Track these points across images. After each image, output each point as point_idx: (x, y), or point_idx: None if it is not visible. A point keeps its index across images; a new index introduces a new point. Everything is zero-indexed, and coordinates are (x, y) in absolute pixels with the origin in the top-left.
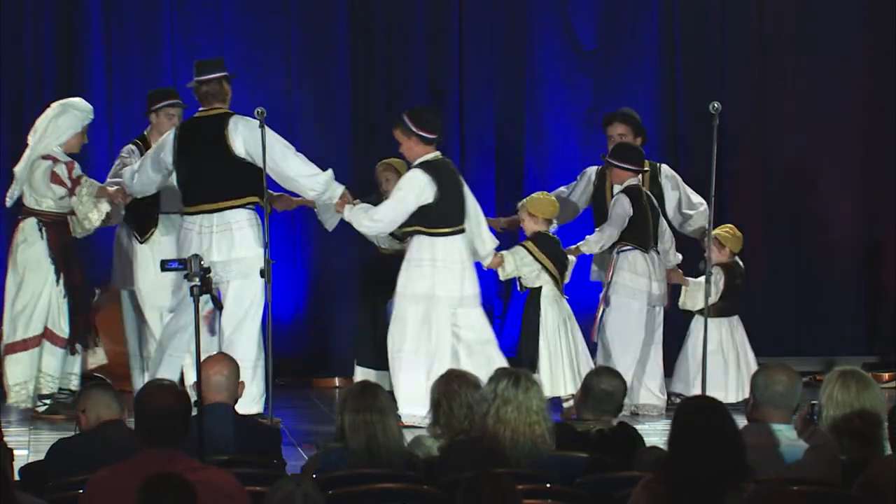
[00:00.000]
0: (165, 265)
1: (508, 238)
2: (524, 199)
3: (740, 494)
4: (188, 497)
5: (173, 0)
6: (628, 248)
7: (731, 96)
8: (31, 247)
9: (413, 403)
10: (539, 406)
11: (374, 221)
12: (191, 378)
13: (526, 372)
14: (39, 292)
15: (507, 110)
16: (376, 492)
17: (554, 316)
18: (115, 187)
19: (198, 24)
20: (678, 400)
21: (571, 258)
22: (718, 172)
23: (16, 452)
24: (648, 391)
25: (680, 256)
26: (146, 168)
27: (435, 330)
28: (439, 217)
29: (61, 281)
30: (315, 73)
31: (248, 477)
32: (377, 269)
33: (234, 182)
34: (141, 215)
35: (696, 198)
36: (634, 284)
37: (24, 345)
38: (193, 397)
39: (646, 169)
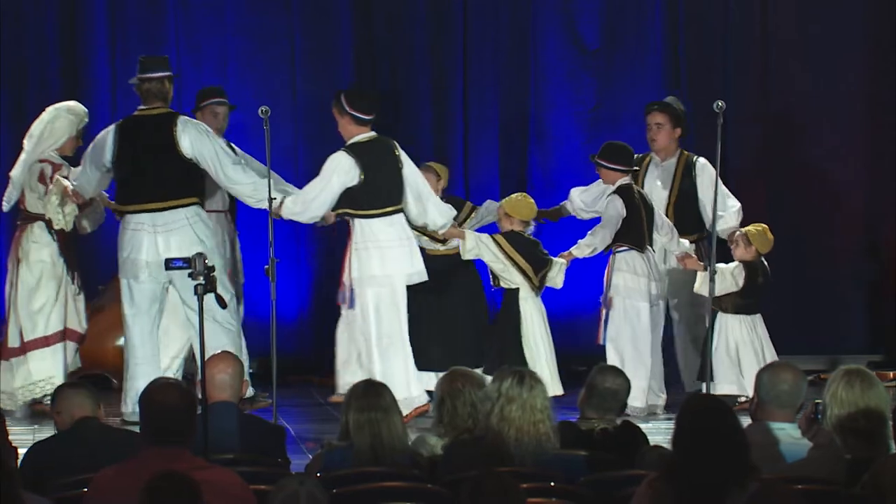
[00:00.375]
0: (169, 264)
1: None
2: (503, 200)
3: (744, 493)
4: (193, 496)
5: (177, 0)
6: (624, 248)
7: (735, 95)
8: (43, 248)
9: (409, 385)
10: (543, 405)
11: (303, 206)
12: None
13: (530, 371)
14: (56, 291)
15: (511, 109)
16: (380, 490)
17: (534, 317)
18: (73, 187)
19: (201, 24)
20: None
21: (561, 261)
22: (722, 170)
23: (20, 451)
24: (653, 392)
25: (687, 243)
26: (86, 167)
27: (402, 310)
28: (370, 198)
29: (75, 280)
30: (318, 73)
31: (253, 475)
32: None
33: (181, 181)
34: None
35: (732, 200)
36: (635, 285)
37: (46, 341)
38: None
39: (635, 168)
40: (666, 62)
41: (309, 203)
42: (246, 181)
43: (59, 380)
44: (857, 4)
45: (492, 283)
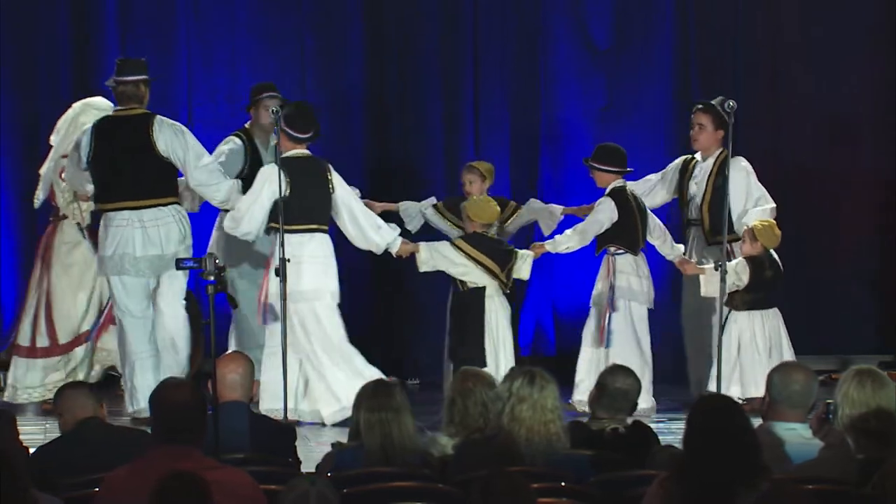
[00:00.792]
0: (180, 263)
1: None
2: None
3: (755, 493)
4: (203, 496)
5: (188, 1)
6: (621, 251)
7: (745, 95)
8: (76, 247)
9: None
10: (554, 405)
11: (234, 222)
12: None
13: (541, 370)
14: (92, 287)
15: (521, 109)
16: (391, 490)
17: (500, 315)
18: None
19: (212, 24)
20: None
21: (528, 252)
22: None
23: (31, 451)
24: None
25: (681, 247)
26: (71, 165)
27: (326, 325)
28: (293, 214)
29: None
30: (328, 73)
31: (263, 475)
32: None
33: (158, 180)
34: None
35: (767, 199)
36: (638, 287)
37: (78, 340)
38: None
39: (629, 169)
40: (675, 62)
41: (240, 219)
42: (209, 182)
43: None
44: (863, 6)
45: (459, 287)
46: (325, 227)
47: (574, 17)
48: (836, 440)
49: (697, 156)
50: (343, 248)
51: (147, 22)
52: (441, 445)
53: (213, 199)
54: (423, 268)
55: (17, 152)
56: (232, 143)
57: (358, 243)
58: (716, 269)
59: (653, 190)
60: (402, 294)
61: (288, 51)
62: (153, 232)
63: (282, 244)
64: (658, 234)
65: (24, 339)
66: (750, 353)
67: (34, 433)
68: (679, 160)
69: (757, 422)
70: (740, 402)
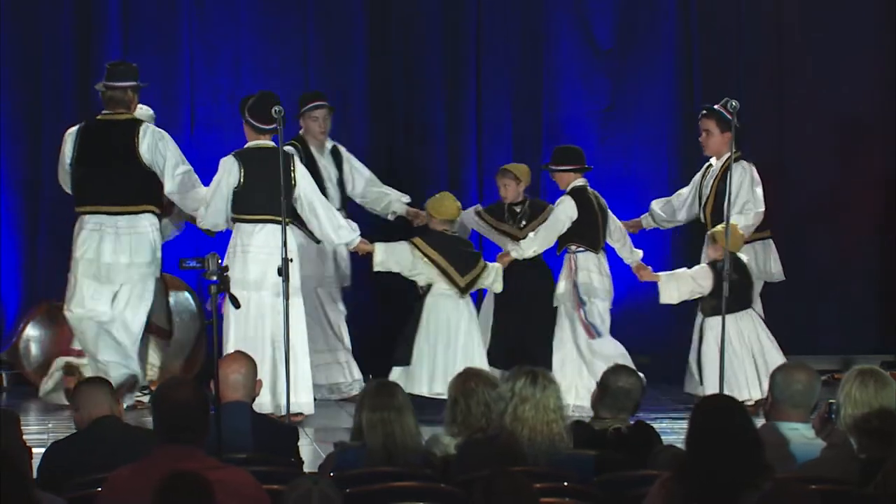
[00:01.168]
0: (183, 264)
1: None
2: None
3: (758, 493)
4: (206, 495)
5: (191, 0)
6: (582, 249)
7: (748, 95)
8: None
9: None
10: (556, 404)
11: (201, 216)
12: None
13: (543, 371)
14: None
15: (524, 109)
16: (393, 490)
17: (441, 315)
18: None
19: (215, 24)
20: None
21: (497, 265)
22: None
23: (34, 451)
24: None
25: (640, 252)
26: (60, 167)
27: (268, 318)
28: (246, 204)
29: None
30: (332, 73)
31: (266, 475)
32: (508, 275)
33: (139, 187)
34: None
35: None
36: (601, 285)
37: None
38: None
39: (589, 167)
40: (679, 62)
41: (204, 214)
42: (180, 191)
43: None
44: (866, 6)
45: (421, 290)
46: (277, 220)
47: (577, 18)
48: (839, 440)
49: (712, 160)
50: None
51: (149, 22)
52: (443, 445)
53: (186, 208)
54: (377, 268)
55: (20, 152)
56: (288, 149)
57: (318, 235)
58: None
59: (685, 202)
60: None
61: (291, 50)
62: (125, 239)
63: (284, 244)
64: (618, 237)
65: None
66: (727, 357)
67: (38, 433)
68: (703, 167)
69: (759, 422)
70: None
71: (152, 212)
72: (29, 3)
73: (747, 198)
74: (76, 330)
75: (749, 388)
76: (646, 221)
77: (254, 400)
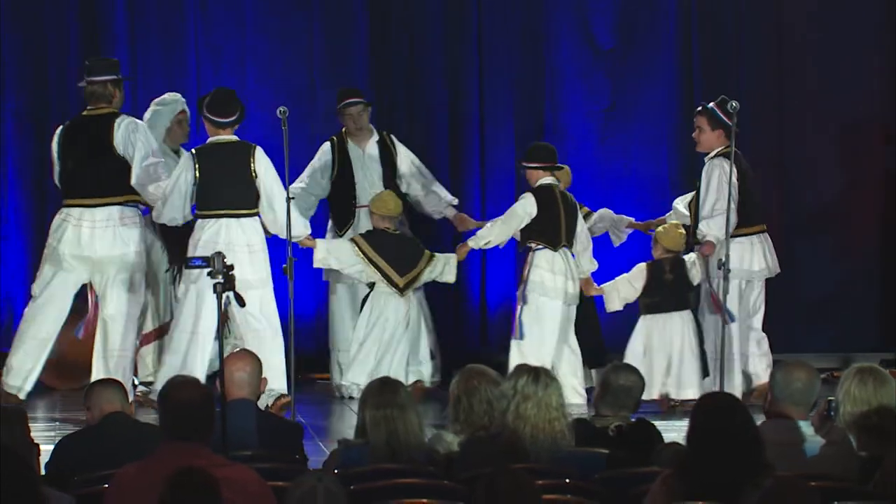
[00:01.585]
0: (189, 262)
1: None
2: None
3: (758, 490)
4: (212, 491)
5: (196, 1)
6: (541, 246)
7: (749, 94)
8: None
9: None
10: (558, 402)
11: (157, 211)
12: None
13: (545, 369)
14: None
15: (526, 109)
16: (397, 487)
17: (382, 311)
18: None
19: (220, 24)
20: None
21: (448, 256)
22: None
23: (42, 448)
24: (575, 391)
25: (596, 264)
26: (53, 166)
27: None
28: (204, 200)
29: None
30: (336, 73)
31: (271, 472)
32: None
33: (115, 179)
34: (340, 208)
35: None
36: (551, 283)
37: (159, 332)
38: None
39: (559, 165)
40: (679, 62)
41: (161, 209)
42: (143, 182)
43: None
44: (868, 5)
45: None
46: (239, 212)
47: (577, 18)
48: (838, 437)
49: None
50: None
51: (155, 22)
52: (447, 442)
53: (148, 199)
54: (317, 264)
55: (28, 153)
56: (324, 145)
57: (268, 227)
58: (718, 268)
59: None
60: None
61: (296, 50)
62: (100, 233)
63: (290, 243)
64: (580, 242)
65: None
66: (660, 357)
67: (45, 430)
68: None
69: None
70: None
71: (132, 202)
72: (36, 5)
73: (717, 196)
74: (30, 315)
75: (656, 386)
76: (670, 220)
77: (258, 398)
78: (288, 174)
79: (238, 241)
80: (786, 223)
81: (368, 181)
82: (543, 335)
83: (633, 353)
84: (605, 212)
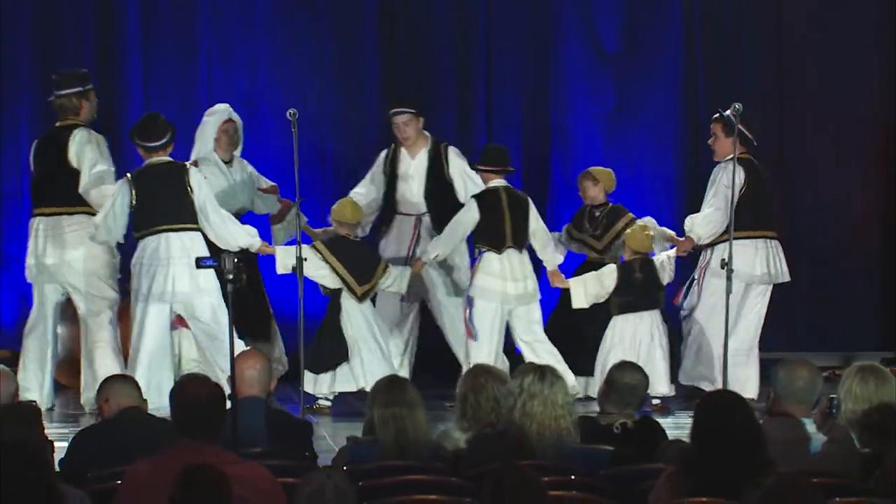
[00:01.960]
0: (199, 262)
1: None
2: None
3: (760, 487)
4: (223, 488)
5: (208, 5)
6: (485, 249)
7: (750, 96)
8: None
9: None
10: (564, 400)
11: (95, 229)
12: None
13: (551, 367)
14: None
15: (532, 111)
16: (405, 483)
17: (354, 317)
18: None
19: (231, 28)
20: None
21: (401, 269)
22: None
23: (56, 445)
24: None
25: (560, 258)
26: None
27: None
28: (142, 219)
29: None
30: (346, 76)
31: (281, 469)
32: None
33: (70, 190)
34: (384, 213)
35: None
36: (487, 285)
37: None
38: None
39: (510, 169)
40: (683, 64)
41: (97, 228)
42: (87, 189)
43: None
44: (869, 6)
45: (322, 292)
46: (177, 227)
47: (583, 22)
48: (840, 435)
49: None
50: None
51: (168, 27)
52: (454, 439)
53: (92, 203)
54: (280, 271)
55: None
56: (383, 152)
57: (215, 241)
58: (721, 268)
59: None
60: None
61: (306, 54)
62: (43, 241)
63: (299, 243)
64: (538, 238)
65: None
66: (631, 355)
67: (59, 427)
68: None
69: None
70: None
71: (84, 212)
72: (49, 9)
73: (715, 197)
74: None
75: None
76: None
77: (269, 396)
78: (297, 175)
79: (177, 253)
80: (787, 222)
81: (409, 191)
82: (489, 336)
83: (603, 351)
84: (648, 220)
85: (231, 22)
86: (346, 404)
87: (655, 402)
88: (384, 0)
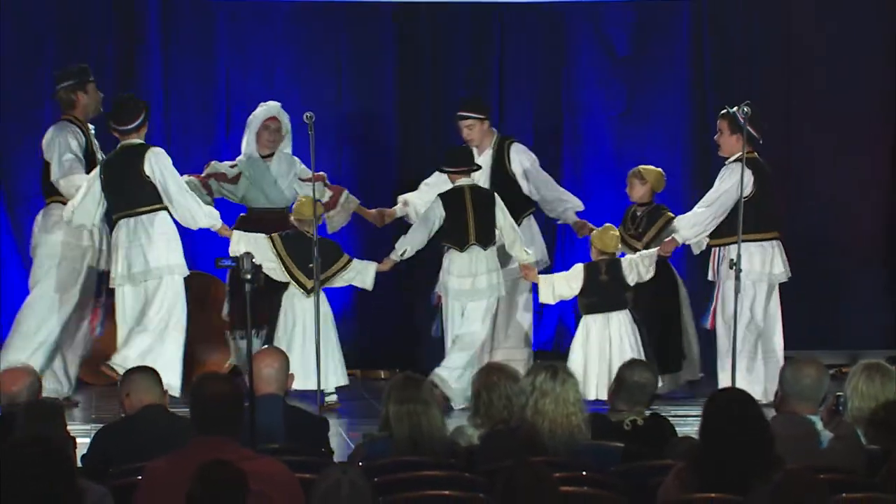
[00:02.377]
0: (219, 262)
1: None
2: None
3: (769, 482)
4: (240, 484)
5: (226, 11)
6: (449, 247)
7: (758, 99)
8: None
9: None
10: (575, 398)
11: (69, 213)
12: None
13: (563, 365)
14: None
15: (545, 115)
16: (420, 479)
17: (297, 310)
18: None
19: (249, 33)
20: None
21: (366, 264)
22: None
23: (78, 441)
24: None
25: (527, 255)
26: None
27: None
28: (112, 204)
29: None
30: (362, 80)
31: (298, 465)
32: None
33: (47, 182)
34: None
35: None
36: (452, 284)
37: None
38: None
39: (475, 168)
40: (692, 69)
41: (73, 211)
42: (54, 179)
43: None
44: (877, 10)
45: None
46: (141, 210)
47: (595, 27)
48: (846, 431)
49: None
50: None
51: (187, 31)
52: (467, 436)
53: (63, 192)
54: (232, 254)
55: None
56: None
57: (179, 221)
58: (730, 268)
59: None
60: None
61: (324, 58)
62: (38, 226)
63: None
64: (506, 234)
65: None
66: (599, 355)
67: (81, 424)
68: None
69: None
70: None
71: (58, 202)
72: (70, 16)
73: (713, 198)
74: None
75: (592, 387)
76: None
77: (286, 393)
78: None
79: (140, 238)
80: (793, 222)
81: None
82: (452, 332)
83: (576, 352)
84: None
85: (250, 28)
86: None
87: None
88: (401, 5)
